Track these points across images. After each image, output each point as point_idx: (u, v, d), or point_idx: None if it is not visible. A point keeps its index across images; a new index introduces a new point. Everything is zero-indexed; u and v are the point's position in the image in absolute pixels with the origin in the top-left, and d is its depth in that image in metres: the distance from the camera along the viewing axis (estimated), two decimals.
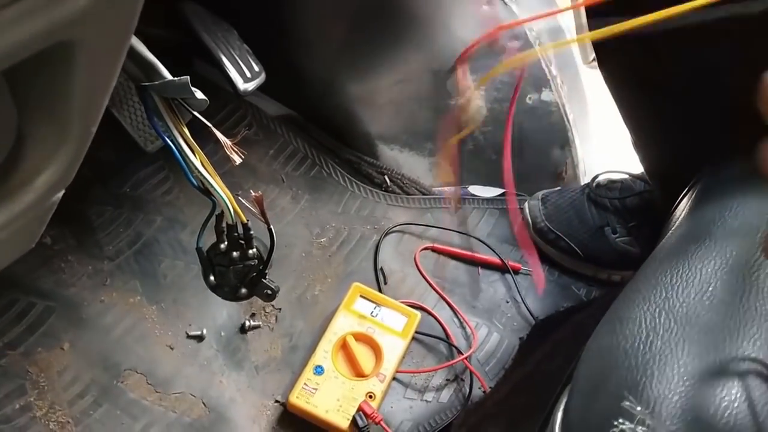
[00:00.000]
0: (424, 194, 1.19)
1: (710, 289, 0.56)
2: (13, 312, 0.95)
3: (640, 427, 0.44)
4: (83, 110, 0.37)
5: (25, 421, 0.88)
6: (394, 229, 1.13)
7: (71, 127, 0.38)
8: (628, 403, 0.47)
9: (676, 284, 0.57)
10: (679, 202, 0.74)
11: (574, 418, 0.53)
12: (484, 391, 0.98)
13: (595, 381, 0.54)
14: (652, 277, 0.59)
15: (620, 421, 0.46)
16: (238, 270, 0.71)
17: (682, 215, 0.70)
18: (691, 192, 0.73)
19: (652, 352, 0.52)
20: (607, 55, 0.90)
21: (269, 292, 0.72)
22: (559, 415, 0.55)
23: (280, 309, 1.02)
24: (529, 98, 1.19)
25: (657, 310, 0.55)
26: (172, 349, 0.97)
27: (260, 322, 1.01)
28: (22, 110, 0.38)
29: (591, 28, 0.80)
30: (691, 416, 0.47)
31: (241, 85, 0.97)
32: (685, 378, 0.50)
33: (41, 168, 0.39)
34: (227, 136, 0.66)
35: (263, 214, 0.67)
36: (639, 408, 0.46)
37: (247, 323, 1.00)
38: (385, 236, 1.12)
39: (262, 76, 0.99)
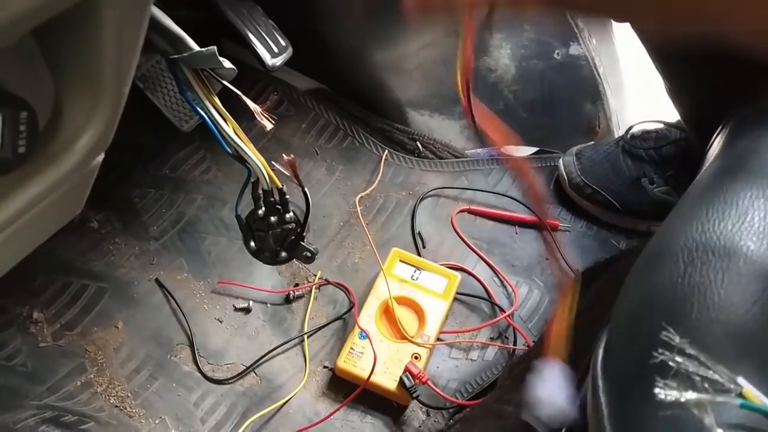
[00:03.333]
0: (456, 157, 1.19)
1: (747, 219, 0.56)
2: (67, 295, 0.98)
3: (679, 357, 0.44)
4: (114, 70, 0.38)
5: (87, 396, 0.92)
6: (429, 193, 1.14)
7: (105, 88, 0.39)
8: (667, 333, 0.47)
9: (711, 217, 0.57)
10: (713, 141, 0.73)
11: (614, 353, 0.53)
12: (528, 347, 0.98)
13: (633, 317, 0.54)
14: (687, 213, 0.59)
15: (660, 351, 0.46)
16: (276, 234, 0.73)
17: (715, 152, 0.69)
18: (724, 129, 0.72)
19: (691, 285, 0.52)
20: (662, 53, 0.89)
21: (308, 254, 0.74)
22: (600, 353, 0.55)
23: (323, 278, 1.04)
24: (557, 53, 1.18)
25: (694, 244, 0.55)
26: (221, 322, 1.00)
27: (304, 292, 1.03)
28: (56, 74, 0.40)
29: None
30: (733, 344, 0.47)
31: (269, 60, 0.98)
32: (725, 306, 0.49)
33: (80, 131, 0.41)
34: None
35: (296, 176, 0.69)
36: (678, 339, 0.46)
37: (292, 293, 1.02)
38: (420, 201, 1.13)
39: (289, 51, 1.00)
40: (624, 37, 1.24)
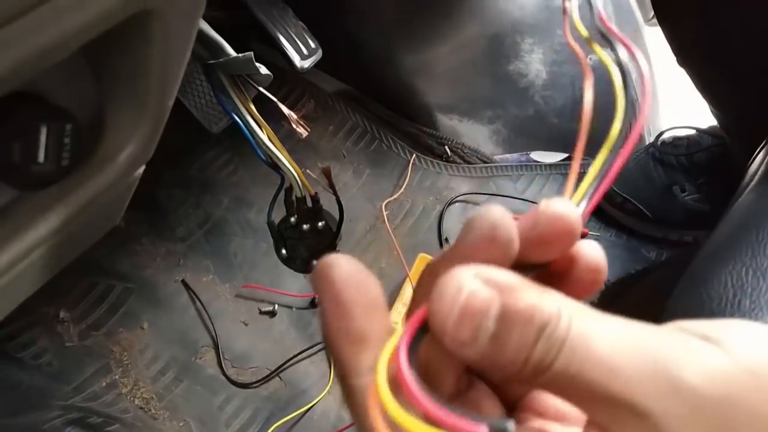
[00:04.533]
0: (485, 162, 1.18)
1: None
2: (94, 294, 0.98)
3: None
4: (160, 84, 0.38)
5: (112, 397, 0.92)
6: (457, 198, 1.13)
7: (149, 101, 0.39)
8: None
9: (762, 241, 0.55)
10: (757, 155, 0.71)
11: None
12: None
13: None
14: (734, 235, 0.57)
15: None
16: (308, 242, 0.72)
17: (762, 168, 0.67)
18: None
19: (741, 312, 0.50)
20: (666, 12, 0.87)
21: None
22: None
23: None
24: (590, 58, 1.16)
25: (744, 268, 0.53)
26: (246, 325, 0.99)
27: None
28: (101, 87, 0.39)
29: None
30: None
31: (299, 62, 0.97)
32: None
33: (123, 143, 0.41)
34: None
35: (331, 185, 0.68)
36: None
37: (317, 298, 1.01)
38: (448, 206, 1.12)
39: (319, 53, 0.99)
40: (655, 42, 1.22)
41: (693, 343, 0.21)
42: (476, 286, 0.22)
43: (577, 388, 0.21)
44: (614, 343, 0.21)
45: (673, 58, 0.93)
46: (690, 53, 0.90)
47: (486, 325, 0.22)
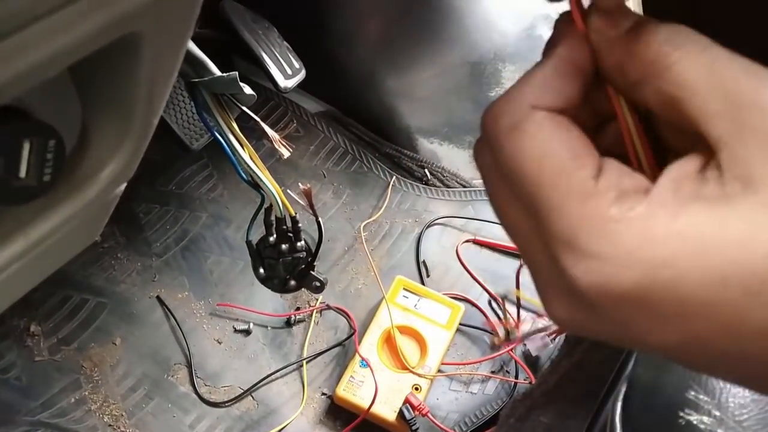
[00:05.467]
0: (464, 187, 1.19)
1: None
2: (66, 308, 0.97)
3: (706, 417, 0.43)
4: (146, 103, 0.38)
5: (80, 414, 0.90)
6: (435, 222, 1.13)
7: (134, 119, 0.39)
8: (693, 393, 0.46)
9: None
10: None
11: (636, 409, 0.52)
12: (530, 382, 0.97)
13: (657, 371, 0.53)
14: None
15: (686, 411, 0.44)
16: (287, 262, 0.72)
17: None
18: None
19: None
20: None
21: (318, 284, 0.73)
22: (618, 406, 0.54)
23: (325, 303, 1.03)
24: None
25: None
26: (220, 343, 0.99)
27: (305, 316, 1.02)
28: (86, 103, 0.39)
29: None
30: (759, 406, 0.46)
31: (282, 82, 0.97)
32: None
33: (105, 161, 0.41)
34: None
35: (311, 206, 0.68)
36: (705, 398, 0.44)
37: (293, 317, 1.01)
38: (426, 229, 1.12)
39: (303, 73, 1.00)
40: None
41: None
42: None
43: (707, 87, 0.23)
44: (753, 67, 0.23)
45: None
46: None
47: (626, 21, 0.25)
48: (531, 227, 0.25)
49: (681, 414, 0.41)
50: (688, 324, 0.22)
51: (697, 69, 0.23)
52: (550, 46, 0.27)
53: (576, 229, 0.23)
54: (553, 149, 0.24)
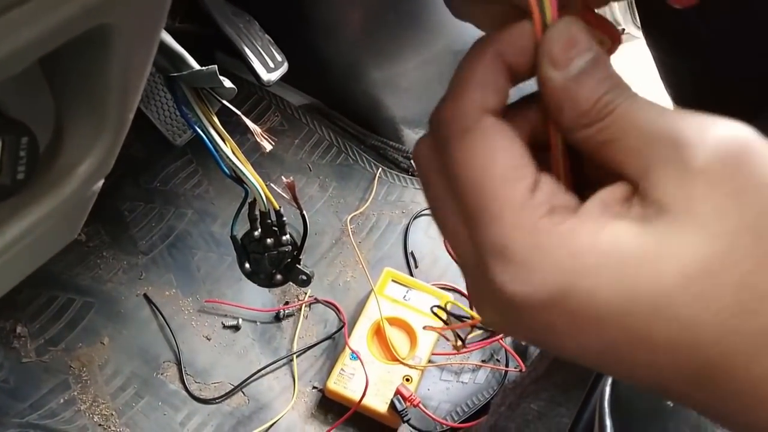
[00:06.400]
0: None
1: None
2: (53, 309, 0.96)
3: None
4: (120, 96, 0.37)
5: (70, 414, 0.90)
6: (422, 212, 1.13)
7: (109, 114, 0.38)
8: None
9: None
10: None
11: (624, 393, 0.52)
12: (520, 371, 0.97)
13: None
14: None
15: None
16: (272, 256, 0.72)
17: None
18: None
19: None
20: (650, 15, 0.87)
21: (304, 277, 0.73)
22: (607, 391, 0.54)
23: (313, 296, 1.02)
24: None
25: None
26: (209, 339, 0.98)
27: (293, 310, 1.02)
28: (59, 99, 0.38)
29: None
30: None
31: (265, 75, 0.97)
32: None
33: (81, 157, 0.40)
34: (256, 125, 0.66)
35: (295, 199, 0.67)
36: None
37: (281, 312, 1.01)
38: (414, 220, 1.12)
39: (285, 66, 0.99)
40: (629, 60, 1.24)
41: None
42: (583, 31, 0.27)
43: (623, 131, 0.25)
44: (664, 108, 0.25)
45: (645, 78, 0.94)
46: (669, 62, 0.90)
47: (580, 60, 0.26)
48: (466, 231, 0.26)
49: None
50: (603, 333, 0.24)
51: (625, 121, 0.25)
52: (488, 39, 0.28)
53: (508, 237, 0.25)
54: (498, 158, 0.26)
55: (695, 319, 0.23)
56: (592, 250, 0.24)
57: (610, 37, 0.33)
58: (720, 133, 0.24)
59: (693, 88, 0.89)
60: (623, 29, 1.32)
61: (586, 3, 0.33)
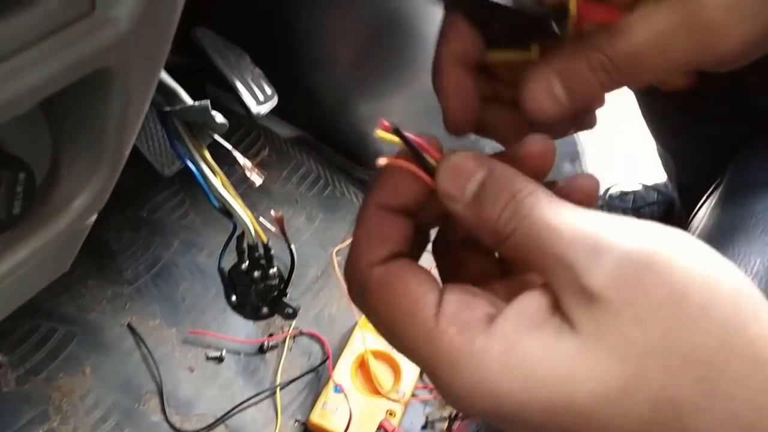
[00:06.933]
0: None
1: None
2: (35, 337, 0.96)
3: None
4: (117, 135, 0.38)
5: None
6: None
7: (106, 151, 0.39)
8: None
9: None
10: (698, 210, 0.73)
11: None
12: None
13: None
14: None
15: None
16: (259, 289, 0.72)
17: (701, 223, 0.69)
18: (711, 198, 0.72)
19: None
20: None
21: (290, 310, 0.73)
22: None
23: (298, 329, 1.02)
24: None
25: None
26: (192, 371, 0.98)
27: (278, 342, 1.02)
28: (57, 136, 0.39)
29: None
30: None
31: (255, 108, 0.98)
32: None
33: (75, 193, 0.40)
34: (246, 159, 0.67)
35: (284, 233, 0.68)
36: None
37: (266, 344, 1.01)
38: None
39: (275, 99, 1.00)
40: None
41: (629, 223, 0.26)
42: (468, 157, 0.28)
43: (529, 251, 0.26)
44: (564, 220, 0.26)
45: (622, 113, 0.96)
46: (652, 104, 0.92)
47: (471, 185, 0.28)
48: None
49: None
50: None
51: (527, 243, 0.26)
52: (369, 192, 0.31)
53: (430, 365, 0.26)
54: (395, 301, 0.28)
55: None
56: (504, 371, 0.25)
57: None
58: (615, 257, 0.24)
59: (681, 130, 0.90)
60: None
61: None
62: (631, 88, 0.90)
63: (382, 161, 0.32)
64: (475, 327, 0.26)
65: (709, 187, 0.72)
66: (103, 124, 0.37)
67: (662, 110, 0.89)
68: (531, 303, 0.26)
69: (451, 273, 0.33)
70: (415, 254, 0.32)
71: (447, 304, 0.27)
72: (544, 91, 0.33)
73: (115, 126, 0.37)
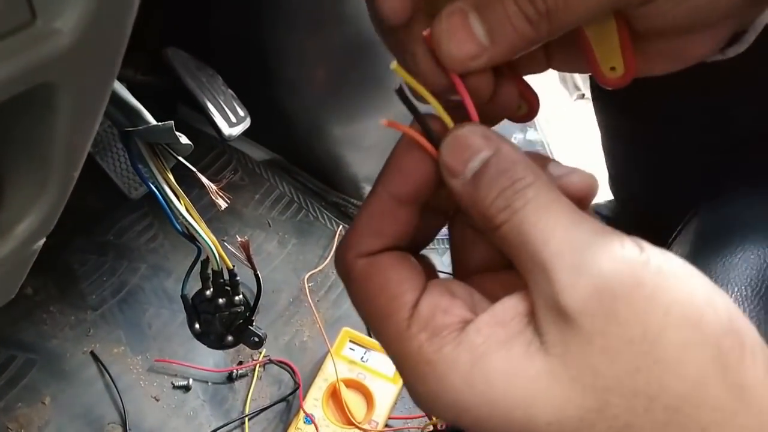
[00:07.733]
0: None
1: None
2: None
3: None
4: (65, 155, 0.36)
5: None
6: None
7: (52, 172, 0.37)
8: None
9: None
10: (671, 243, 0.72)
11: None
12: None
13: None
14: None
15: None
16: (224, 317, 0.69)
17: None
18: (684, 232, 0.71)
19: None
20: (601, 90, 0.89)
21: (256, 339, 0.70)
22: None
23: (268, 356, 1.00)
24: (514, 138, 1.20)
25: None
26: (157, 400, 0.94)
27: (247, 371, 0.99)
28: None
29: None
30: None
31: (227, 130, 0.96)
32: None
33: (21, 216, 0.38)
34: (212, 182, 0.65)
35: (249, 259, 0.66)
36: None
37: (235, 372, 0.98)
38: None
39: (247, 121, 0.98)
40: (577, 125, 1.27)
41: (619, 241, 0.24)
42: (477, 132, 0.27)
43: (515, 248, 0.25)
44: (555, 226, 0.24)
45: (581, 136, 0.96)
46: (618, 130, 0.92)
47: (474, 163, 0.26)
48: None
49: None
50: None
51: (518, 236, 0.25)
52: (378, 181, 0.30)
53: (399, 366, 0.27)
54: (373, 296, 0.28)
55: None
56: (465, 386, 0.25)
57: (528, 104, 0.33)
58: (595, 282, 0.23)
59: (630, 155, 0.90)
60: (582, 93, 1.35)
61: (515, 70, 0.33)
62: (597, 111, 0.90)
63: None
64: (445, 335, 0.25)
65: (680, 218, 0.71)
66: (48, 143, 0.34)
67: (631, 135, 0.88)
68: (507, 311, 0.25)
69: (462, 257, 0.32)
70: (420, 244, 0.32)
71: (423, 307, 0.26)
72: (460, 25, 0.28)
73: (63, 145, 0.35)
